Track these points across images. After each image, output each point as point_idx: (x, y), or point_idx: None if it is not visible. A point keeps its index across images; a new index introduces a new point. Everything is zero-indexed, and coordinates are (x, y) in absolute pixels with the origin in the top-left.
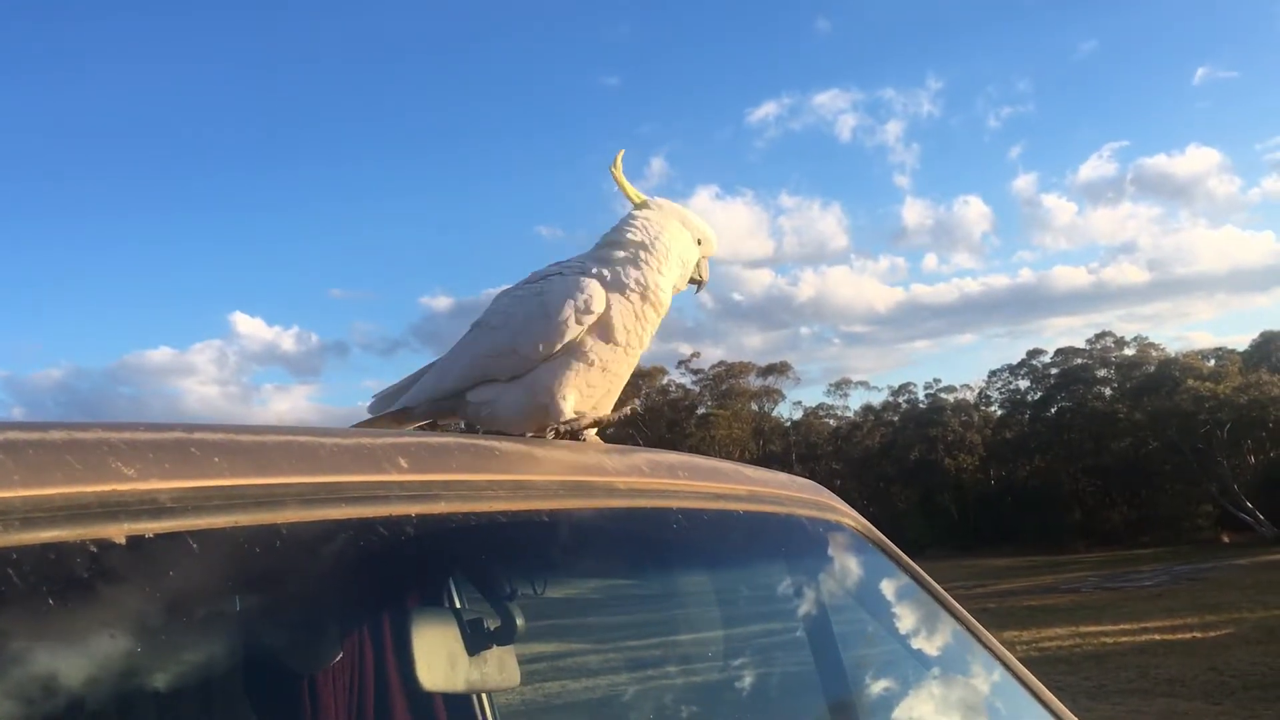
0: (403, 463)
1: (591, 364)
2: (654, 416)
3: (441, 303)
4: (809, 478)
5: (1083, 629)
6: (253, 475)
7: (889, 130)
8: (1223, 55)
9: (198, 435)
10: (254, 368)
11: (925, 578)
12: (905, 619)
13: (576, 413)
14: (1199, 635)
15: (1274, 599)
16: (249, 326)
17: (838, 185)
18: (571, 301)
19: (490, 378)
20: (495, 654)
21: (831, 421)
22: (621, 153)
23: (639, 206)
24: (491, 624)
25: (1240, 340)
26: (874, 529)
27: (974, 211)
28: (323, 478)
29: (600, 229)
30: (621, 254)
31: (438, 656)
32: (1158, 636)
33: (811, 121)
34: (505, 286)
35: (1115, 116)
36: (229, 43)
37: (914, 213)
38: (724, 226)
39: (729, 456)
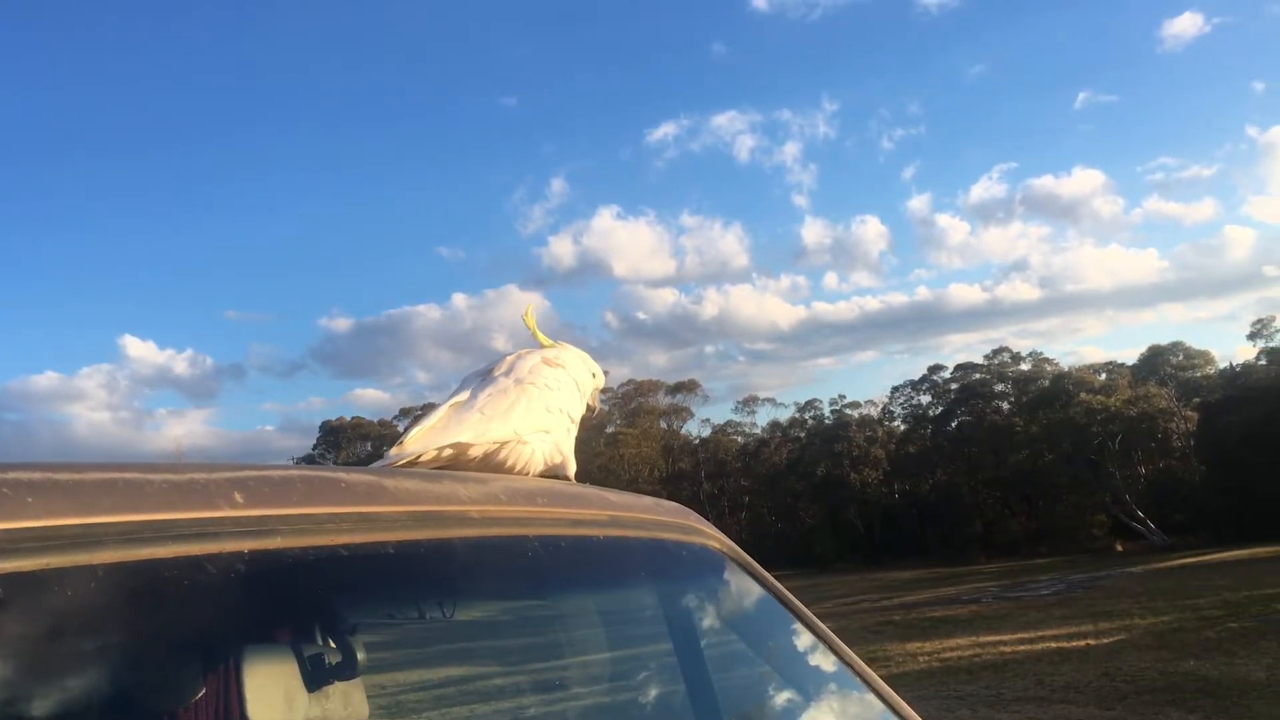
0: (238, 497)
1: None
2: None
3: (341, 324)
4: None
5: (983, 639)
6: (70, 515)
7: (786, 151)
8: (1102, 80)
9: (11, 475)
10: (146, 392)
11: (789, 597)
12: (769, 638)
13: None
14: (1093, 642)
15: (1164, 605)
16: (140, 350)
17: (738, 205)
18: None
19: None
20: (339, 689)
21: (739, 438)
22: (531, 305)
23: (548, 347)
24: (333, 659)
25: (1129, 354)
26: (739, 550)
27: (871, 231)
28: (148, 516)
29: (500, 250)
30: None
31: (273, 696)
32: (1054, 645)
33: (710, 142)
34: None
35: (1003, 139)
36: (120, 57)
37: (813, 232)
38: (626, 246)
39: (638, 475)
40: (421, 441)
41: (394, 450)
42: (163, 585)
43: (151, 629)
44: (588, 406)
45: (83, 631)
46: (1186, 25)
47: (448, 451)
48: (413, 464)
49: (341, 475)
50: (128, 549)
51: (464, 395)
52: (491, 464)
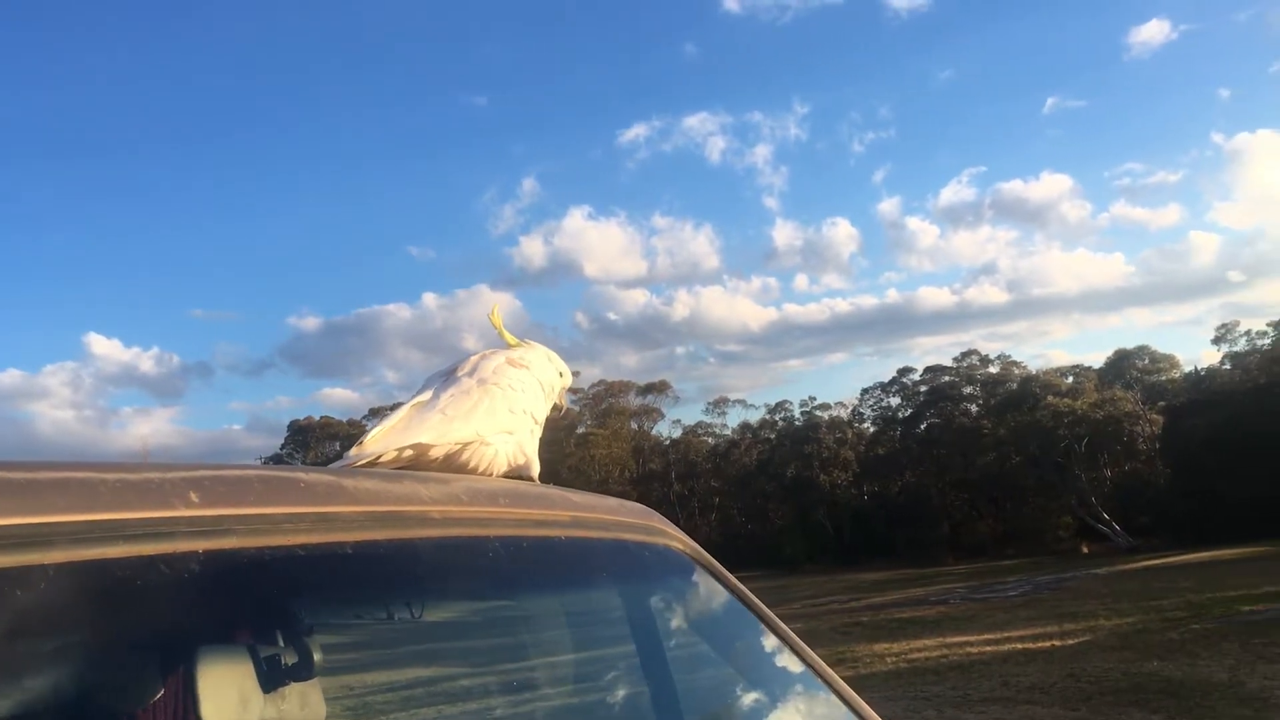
0: (193, 497)
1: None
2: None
3: (310, 323)
4: (689, 496)
5: (949, 640)
6: (20, 515)
7: (758, 153)
8: (1071, 86)
9: None
10: (111, 390)
11: (753, 599)
12: (732, 639)
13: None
14: (1058, 644)
15: (1129, 607)
16: (105, 348)
17: (709, 206)
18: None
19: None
20: (295, 690)
21: (710, 440)
22: (497, 305)
23: (514, 346)
24: (289, 660)
25: (1095, 358)
26: (702, 551)
27: (842, 233)
28: (100, 515)
29: (471, 250)
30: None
31: (228, 697)
32: (1020, 646)
33: (682, 143)
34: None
35: (973, 143)
36: (84, 56)
37: (784, 234)
38: (597, 246)
39: (609, 475)
40: (381, 442)
41: (354, 451)
42: (115, 585)
43: (104, 630)
44: (555, 406)
45: (32, 632)
46: (1154, 32)
47: (408, 452)
48: (373, 464)
49: (300, 475)
50: (79, 549)
51: (426, 395)
52: (453, 465)
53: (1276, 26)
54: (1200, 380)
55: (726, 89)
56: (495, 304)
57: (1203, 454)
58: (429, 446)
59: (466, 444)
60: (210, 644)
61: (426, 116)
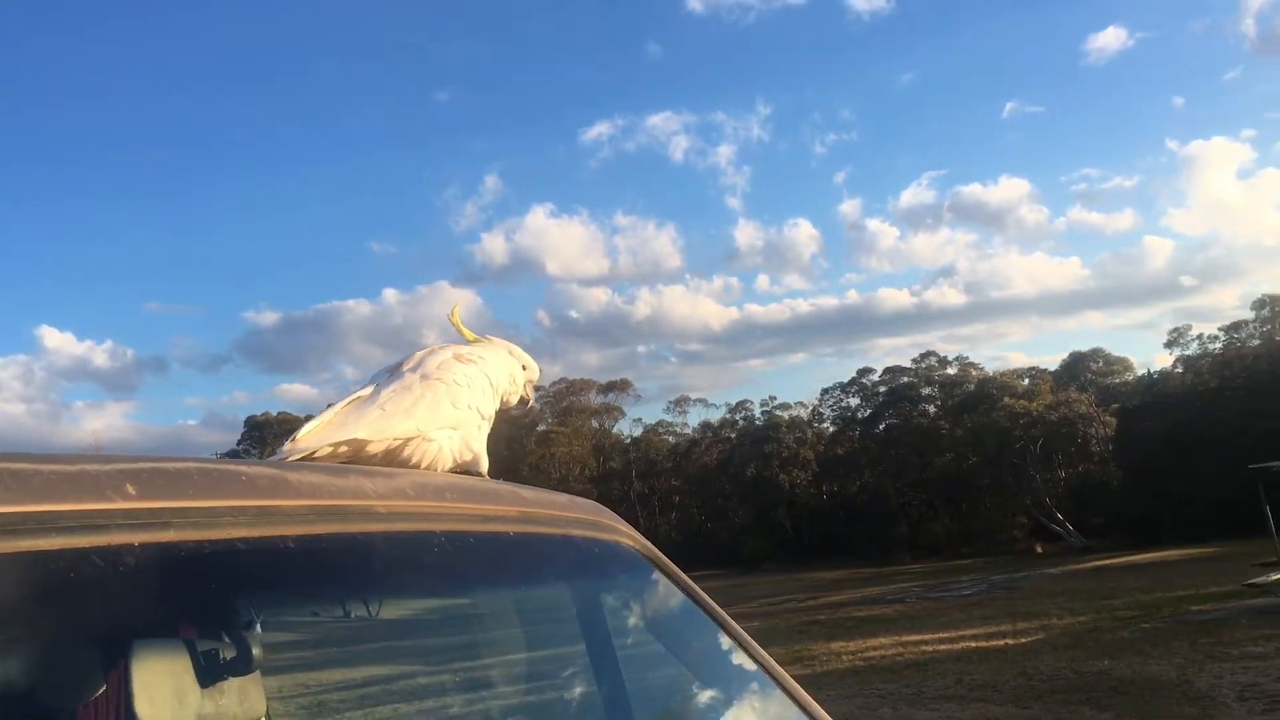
0: (130, 489)
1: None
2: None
3: (268, 318)
4: (649, 494)
5: (905, 638)
6: None
7: (720, 153)
8: (1029, 91)
9: None
10: (63, 384)
11: (703, 596)
12: (683, 638)
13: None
14: (1011, 642)
15: (1081, 606)
16: (57, 341)
17: (672, 206)
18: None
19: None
20: (234, 685)
21: (671, 438)
22: (457, 305)
23: (472, 343)
24: (228, 655)
25: (1051, 360)
26: (654, 548)
27: (803, 234)
28: (33, 507)
29: (433, 246)
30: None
31: (164, 692)
32: (974, 644)
33: (645, 142)
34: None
35: (933, 146)
36: (44, 44)
37: (746, 234)
38: (560, 244)
39: (569, 473)
40: (315, 437)
41: (287, 446)
42: (49, 578)
43: (37, 623)
44: (521, 398)
45: None
46: (1111, 39)
47: (344, 449)
48: (308, 460)
49: (242, 468)
50: (10, 540)
51: (367, 390)
52: (395, 462)
53: (1231, 36)
54: (1153, 383)
55: (690, 89)
56: (455, 303)
57: (1155, 456)
58: (366, 442)
59: (408, 440)
60: (147, 638)
61: (389, 111)
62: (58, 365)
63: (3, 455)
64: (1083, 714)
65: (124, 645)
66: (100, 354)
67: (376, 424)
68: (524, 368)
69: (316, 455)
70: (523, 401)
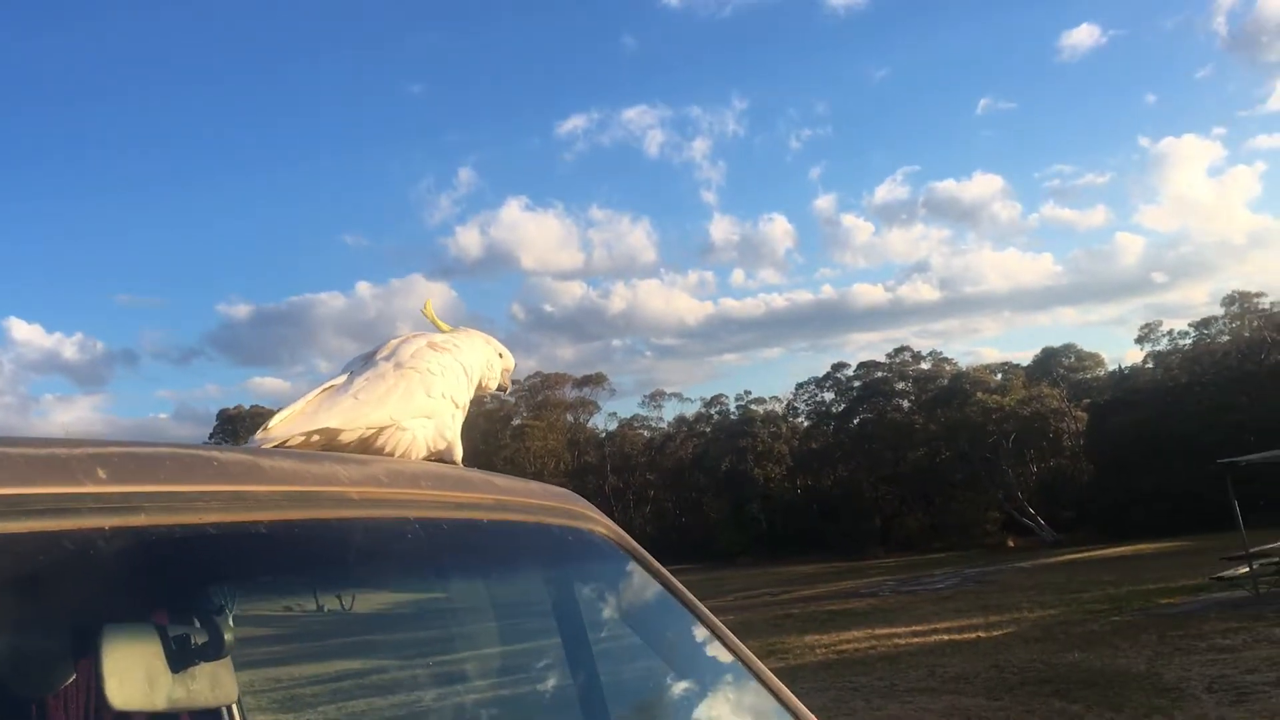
0: (101, 473)
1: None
2: (468, 428)
3: (240, 310)
4: (624, 488)
5: (878, 631)
6: None
7: (696, 147)
8: (1003, 87)
9: None
10: (32, 377)
11: (677, 585)
12: (657, 627)
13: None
14: (983, 635)
15: (1052, 599)
16: (26, 333)
17: (647, 200)
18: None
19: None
20: (205, 670)
21: (646, 433)
22: (430, 300)
23: (447, 334)
24: (199, 640)
25: (1024, 356)
26: (627, 536)
27: (778, 229)
28: (2, 490)
29: (406, 239)
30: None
31: (134, 677)
32: (946, 637)
33: (620, 136)
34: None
35: (907, 142)
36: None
37: (721, 229)
38: (534, 238)
39: (544, 467)
40: (287, 426)
41: (258, 435)
42: (17, 562)
43: (4, 607)
44: (499, 386)
45: None
46: (1084, 37)
47: (316, 438)
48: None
49: (215, 454)
50: None
51: (341, 379)
52: (368, 451)
53: (1202, 34)
54: (1124, 379)
55: (665, 82)
56: (429, 299)
57: (1125, 450)
58: (338, 431)
59: (381, 429)
60: (118, 622)
61: (363, 104)
62: (26, 358)
63: None
64: (1053, 706)
65: (95, 630)
66: (70, 346)
67: (349, 413)
68: (500, 355)
69: (289, 443)
70: (501, 389)
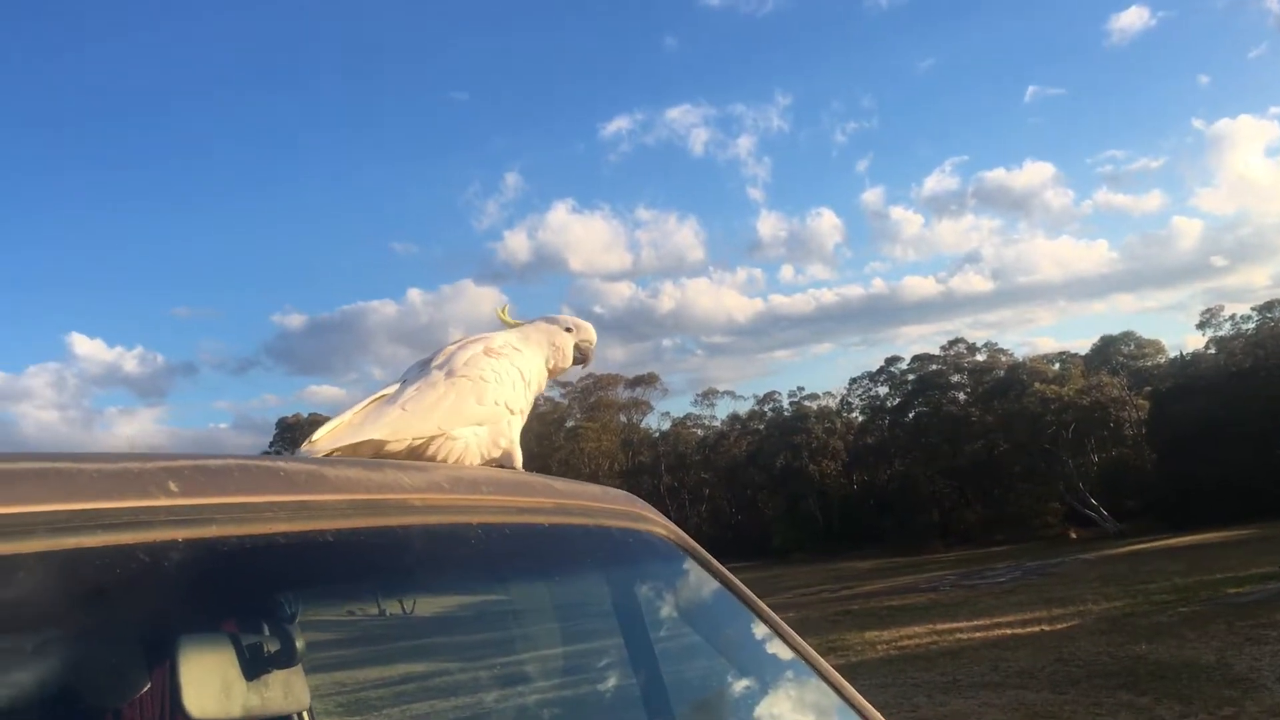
0: (173, 486)
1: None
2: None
3: (294, 320)
4: (678, 488)
5: (939, 626)
6: None
7: (741, 144)
8: (1051, 74)
9: None
10: (95, 391)
11: (738, 584)
12: (719, 627)
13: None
14: (1047, 628)
15: (1116, 591)
16: (88, 348)
17: (693, 198)
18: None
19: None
20: (278, 678)
21: (699, 431)
22: (506, 306)
23: (511, 327)
24: (271, 648)
25: (1081, 344)
26: (687, 537)
27: (826, 224)
28: (79, 505)
29: (455, 245)
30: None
31: (211, 685)
32: (1009, 631)
33: (664, 136)
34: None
35: (955, 132)
36: (73, 48)
37: (768, 225)
38: (582, 240)
39: (598, 468)
40: (332, 439)
41: (304, 448)
42: (94, 575)
43: (84, 620)
44: (578, 360)
45: (12, 625)
46: (1133, 19)
47: (363, 450)
48: None
49: (280, 464)
50: (57, 538)
51: (392, 388)
52: (418, 460)
53: (1254, 12)
54: (1185, 365)
55: (708, 81)
56: (505, 304)
57: (1189, 438)
58: (384, 443)
59: (430, 439)
60: (192, 632)
61: (409, 112)
62: (89, 372)
63: (47, 455)
64: (1120, 699)
65: (171, 640)
66: (130, 360)
67: (395, 424)
68: (568, 330)
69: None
70: (579, 363)
